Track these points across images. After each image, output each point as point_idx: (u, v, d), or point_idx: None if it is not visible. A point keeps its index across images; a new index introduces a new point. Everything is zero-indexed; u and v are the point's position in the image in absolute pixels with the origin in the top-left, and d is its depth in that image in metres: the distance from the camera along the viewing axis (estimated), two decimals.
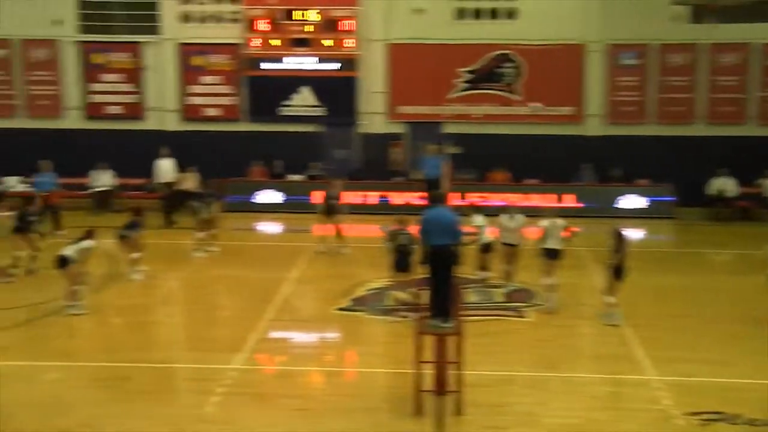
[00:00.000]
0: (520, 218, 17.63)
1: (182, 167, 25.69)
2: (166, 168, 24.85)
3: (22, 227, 18.39)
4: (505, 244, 17.67)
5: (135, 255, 18.33)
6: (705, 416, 11.59)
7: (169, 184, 24.76)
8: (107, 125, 27.32)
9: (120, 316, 16.16)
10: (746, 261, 19.88)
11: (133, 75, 27.38)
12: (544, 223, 16.61)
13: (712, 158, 25.42)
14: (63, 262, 15.73)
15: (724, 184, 25.23)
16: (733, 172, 25.23)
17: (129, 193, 26.25)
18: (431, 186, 21.83)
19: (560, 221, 16.61)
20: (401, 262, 16.12)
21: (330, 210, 20.67)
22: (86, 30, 27.18)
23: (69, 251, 15.84)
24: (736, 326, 15.26)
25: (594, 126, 26.81)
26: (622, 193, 25.57)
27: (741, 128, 26.44)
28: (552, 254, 16.46)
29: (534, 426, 11.46)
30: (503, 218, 17.73)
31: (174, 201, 24.52)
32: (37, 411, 11.70)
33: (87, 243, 16.13)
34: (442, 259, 12.04)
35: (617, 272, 15.45)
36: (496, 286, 17.82)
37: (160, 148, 24.97)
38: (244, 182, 26.28)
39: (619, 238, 15.53)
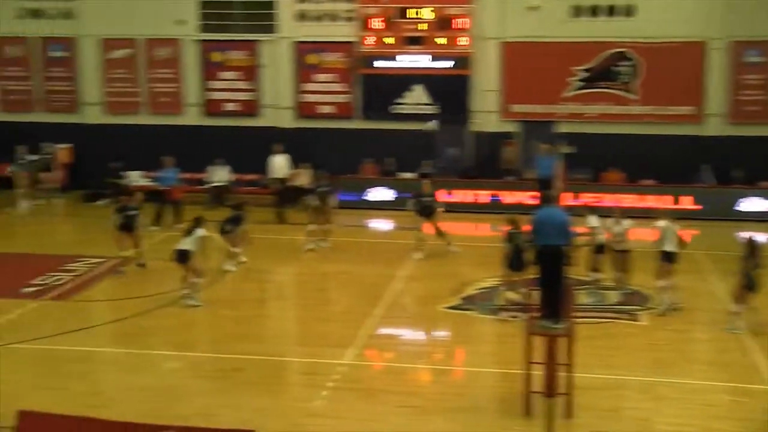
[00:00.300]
0: (625, 222, 17.22)
1: (296, 164, 26.13)
2: (279, 164, 25.22)
3: (127, 224, 18.51)
4: (615, 250, 17.33)
5: (236, 249, 18.68)
6: None
7: (282, 180, 25.14)
8: (224, 122, 27.97)
9: (233, 309, 16.49)
10: None
11: (250, 73, 27.94)
12: (661, 224, 16.22)
13: None
14: (183, 256, 16.19)
15: None
16: None
17: (243, 189, 26.83)
18: (544, 186, 21.56)
19: (676, 224, 16.19)
20: (516, 262, 15.88)
21: (425, 210, 20.33)
22: (206, 29, 27.89)
23: (187, 244, 16.27)
24: None
25: (714, 126, 25.97)
26: (744, 196, 24.67)
27: None
28: (668, 257, 16.07)
29: None
30: (609, 223, 17.40)
31: (286, 197, 24.91)
32: (155, 398, 12.10)
33: (200, 232, 16.48)
34: (552, 259, 11.91)
35: (749, 282, 14.80)
36: (609, 288, 17.48)
37: (274, 144, 25.37)
38: (356, 179, 26.48)
39: (753, 246, 15.01)
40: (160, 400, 12.02)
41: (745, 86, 25.76)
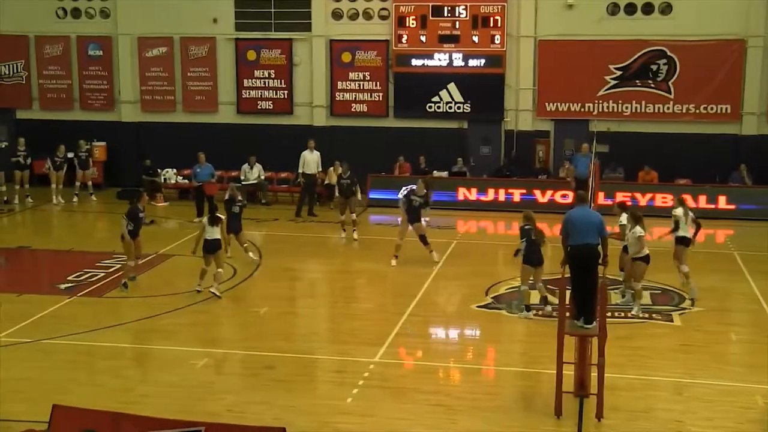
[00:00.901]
0: (636, 229, 15.89)
1: (330, 162, 26.19)
2: (311, 160, 25.26)
3: (135, 230, 17.26)
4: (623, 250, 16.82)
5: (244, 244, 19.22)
6: None
7: (311, 176, 25.11)
8: (258, 120, 28.09)
9: (264, 306, 16.55)
10: None
11: (284, 71, 28.03)
12: (677, 212, 16.48)
13: None
14: (215, 245, 16.65)
15: None
16: None
17: (277, 187, 26.97)
18: (583, 185, 21.40)
19: (690, 212, 16.68)
20: (531, 256, 15.80)
21: (410, 211, 19.26)
22: (241, 27, 28.04)
23: (216, 234, 16.75)
24: None
25: (751, 125, 25.66)
26: None
27: None
28: (683, 242, 16.42)
29: None
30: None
31: (312, 193, 25.02)
32: (185, 395, 12.18)
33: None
34: (585, 259, 11.87)
35: None
36: (643, 288, 17.30)
37: (308, 140, 25.39)
38: (389, 178, 26.49)
39: None
40: (191, 396, 12.10)
41: None
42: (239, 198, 19.60)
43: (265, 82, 28.07)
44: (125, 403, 11.50)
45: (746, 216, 23.90)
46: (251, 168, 26.54)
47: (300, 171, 24.87)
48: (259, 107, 28.22)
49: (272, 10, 27.79)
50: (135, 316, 15.69)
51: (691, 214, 16.78)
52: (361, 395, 12.25)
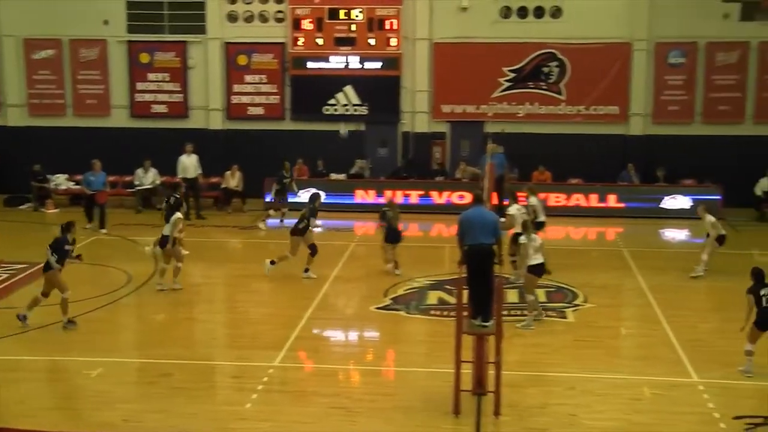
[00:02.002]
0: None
1: (227, 166, 25.97)
2: (188, 164, 24.98)
3: (59, 263, 15.18)
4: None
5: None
6: (749, 420, 11.42)
7: (192, 180, 24.88)
8: (152, 124, 27.62)
9: (161, 313, 16.32)
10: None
11: (179, 74, 27.63)
12: (512, 211, 17.21)
13: (761, 158, 24.95)
14: (165, 241, 17.13)
15: None
16: None
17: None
18: (498, 184, 21.71)
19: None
20: (390, 234, 18.50)
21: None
22: (133, 30, 27.51)
23: (167, 230, 17.20)
24: None
25: (638, 125, 26.51)
26: (667, 194, 25.21)
27: None
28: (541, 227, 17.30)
29: (574, 428, 11.38)
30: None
31: (196, 196, 24.91)
32: (80, 405, 11.89)
33: (177, 215, 17.45)
34: (482, 258, 12.02)
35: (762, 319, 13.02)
36: (537, 287, 17.67)
37: (185, 144, 25.13)
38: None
39: (760, 277, 13.33)
40: (86, 407, 11.82)
41: (669, 86, 26.35)
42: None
43: (159, 86, 27.60)
44: (18, 416, 11.15)
45: (634, 214, 24.69)
46: (146, 173, 26.07)
47: (180, 176, 24.56)
48: (153, 111, 27.74)
49: (165, 12, 27.36)
50: (28, 327, 15.18)
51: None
52: (261, 400, 12.17)
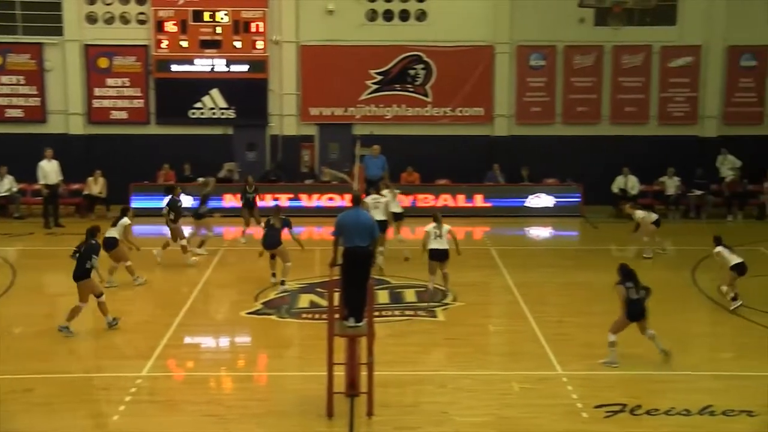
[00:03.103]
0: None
1: (90, 172, 25.22)
2: (49, 170, 24.23)
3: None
4: None
5: None
6: (608, 408, 11.87)
7: (53, 186, 24.14)
8: (8, 129, 26.49)
9: (18, 326, 15.68)
10: (654, 256, 20.39)
11: (35, 77, 26.61)
12: (429, 228, 16.89)
13: (617, 157, 25.94)
14: (110, 243, 17.37)
15: (627, 182, 25.77)
16: (636, 170, 25.78)
17: (31, 199, 25.55)
18: (372, 186, 21.82)
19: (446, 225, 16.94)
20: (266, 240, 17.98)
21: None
22: None
23: (113, 233, 17.54)
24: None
25: (503, 126, 27.16)
26: (531, 193, 25.94)
27: (643, 128, 27.12)
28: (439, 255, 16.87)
29: (445, 425, 11.54)
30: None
31: (56, 203, 24.23)
32: None
33: (125, 221, 17.83)
34: (358, 260, 12.03)
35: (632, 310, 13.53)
36: (407, 287, 17.89)
37: (44, 149, 24.35)
38: (152, 186, 25.82)
39: (626, 272, 13.72)
40: None
41: (530, 88, 27.09)
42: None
43: (13, 89, 26.52)
44: None
45: (500, 213, 25.29)
46: (1, 180, 25.02)
47: (41, 182, 23.75)
48: (7, 115, 26.64)
49: (18, 12, 26.34)
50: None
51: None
52: (129, 411, 11.85)
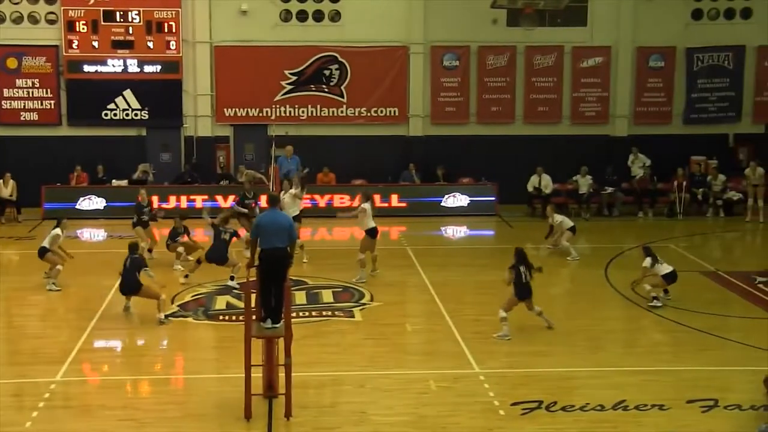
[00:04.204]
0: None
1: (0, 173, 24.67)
2: None
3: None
4: None
5: None
6: (525, 405, 12.12)
7: None
8: None
9: None
10: (563, 254, 20.83)
11: None
12: (366, 206, 18.18)
13: (531, 157, 26.37)
14: (41, 252, 17.77)
15: (541, 181, 26.23)
16: (549, 170, 26.25)
17: None
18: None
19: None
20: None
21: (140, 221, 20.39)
22: None
23: (45, 242, 17.85)
24: (554, 318, 15.94)
25: (418, 126, 27.40)
26: (447, 192, 26.21)
27: (556, 127, 27.67)
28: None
29: (364, 425, 11.63)
30: None
31: None
32: None
33: (56, 231, 17.98)
34: (275, 261, 12.04)
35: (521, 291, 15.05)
36: (324, 287, 17.96)
37: None
38: (65, 188, 25.35)
39: (521, 256, 15.23)
40: None
41: (444, 89, 27.39)
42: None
43: None
44: None
45: (416, 212, 25.50)
46: None
47: None
48: None
49: None
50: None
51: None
52: (42, 418, 11.65)
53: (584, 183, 26.14)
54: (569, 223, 20.99)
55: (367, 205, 18.42)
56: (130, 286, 15.89)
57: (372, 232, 18.38)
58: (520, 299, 14.98)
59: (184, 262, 19.20)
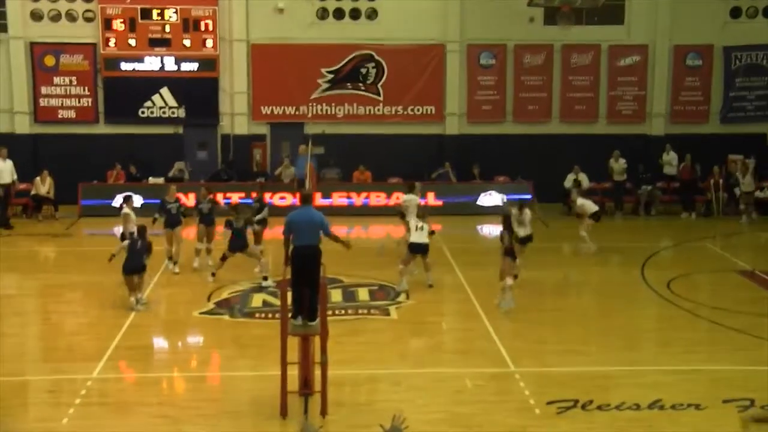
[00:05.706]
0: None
1: (37, 170, 24.84)
2: (3, 168, 23.82)
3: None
4: None
5: None
6: (560, 404, 11.98)
7: (5, 186, 23.76)
8: None
9: None
10: (604, 253, 20.62)
11: None
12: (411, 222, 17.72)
13: (567, 155, 26.14)
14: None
15: (578, 180, 25.96)
16: (585, 169, 25.98)
17: None
18: (304, 185, 21.81)
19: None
20: (235, 243, 17.94)
21: (170, 219, 19.35)
22: None
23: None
24: (590, 317, 15.77)
25: (454, 125, 27.28)
26: (483, 191, 26.07)
27: (592, 126, 27.42)
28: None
29: None
30: None
31: (6, 203, 23.91)
32: None
33: (123, 212, 18.39)
34: (308, 259, 12.02)
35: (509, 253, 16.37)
36: (360, 285, 17.90)
37: None
38: (102, 186, 25.54)
39: (507, 221, 16.98)
40: None
41: (480, 87, 27.25)
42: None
43: None
44: None
45: (453, 211, 25.36)
46: None
47: None
48: None
49: None
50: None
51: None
52: (79, 414, 11.68)
53: (618, 168, 25.77)
54: (592, 207, 20.64)
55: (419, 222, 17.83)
56: (136, 266, 16.20)
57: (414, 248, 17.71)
58: (507, 259, 16.18)
59: (206, 260, 19.10)
